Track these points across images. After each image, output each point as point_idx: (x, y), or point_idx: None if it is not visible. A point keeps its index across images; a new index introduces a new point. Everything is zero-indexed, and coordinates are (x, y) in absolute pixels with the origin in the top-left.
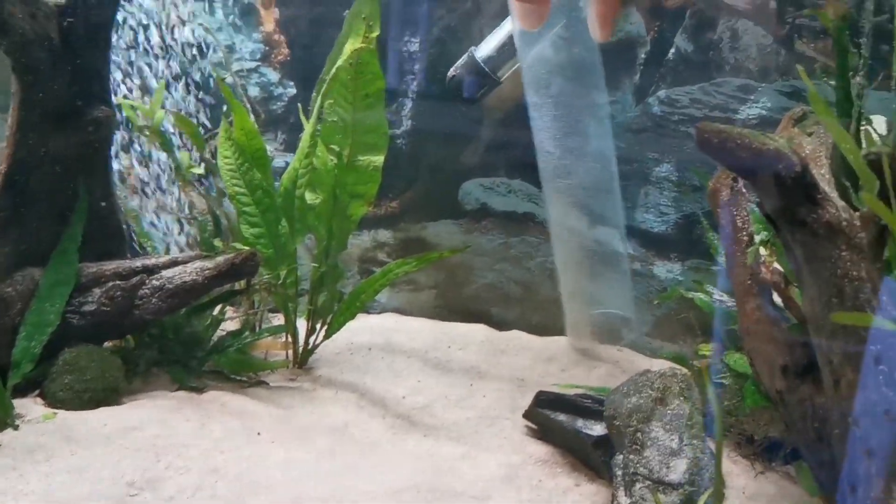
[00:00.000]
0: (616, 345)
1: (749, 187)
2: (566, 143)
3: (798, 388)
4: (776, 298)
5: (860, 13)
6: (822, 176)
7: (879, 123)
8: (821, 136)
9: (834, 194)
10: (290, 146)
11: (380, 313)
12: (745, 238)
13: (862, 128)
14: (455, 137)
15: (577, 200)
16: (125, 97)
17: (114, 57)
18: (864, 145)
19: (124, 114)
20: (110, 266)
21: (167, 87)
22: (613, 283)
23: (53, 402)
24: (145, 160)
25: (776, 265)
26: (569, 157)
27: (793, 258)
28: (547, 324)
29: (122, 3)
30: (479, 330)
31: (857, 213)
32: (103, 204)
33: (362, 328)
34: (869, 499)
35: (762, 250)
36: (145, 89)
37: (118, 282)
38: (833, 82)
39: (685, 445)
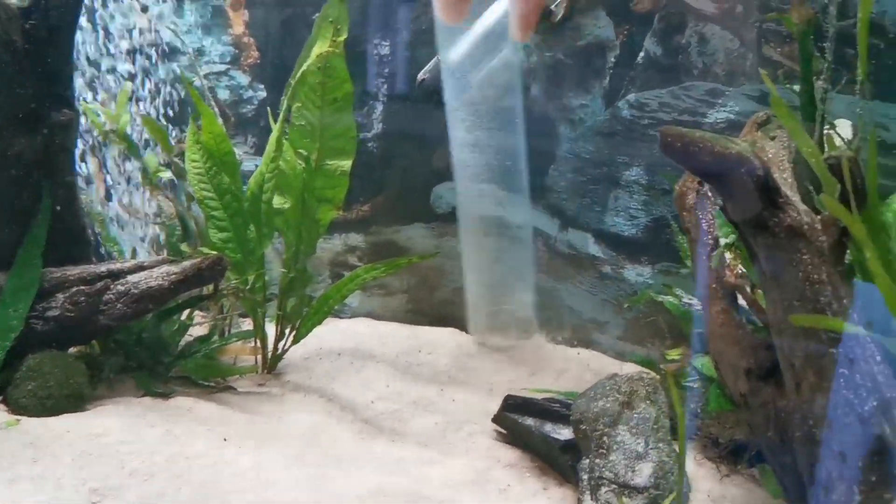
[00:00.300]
0: (514, 341)
1: (713, 191)
2: (478, 140)
3: (761, 390)
4: (742, 302)
5: (825, 17)
6: (785, 180)
7: (845, 127)
8: (784, 140)
9: (796, 198)
10: (261, 149)
11: (351, 318)
12: (711, 241)
13: (827, 131)
14: (426, 141)
15: (485, 197)
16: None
17: (82, 60)
18: (826, 149)
19: (89, 118)
20: (74, 271)
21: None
22: (514, 282)
23: (16, 408)
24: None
25: (741, 268)
26: (481, 156)
27: (756, 261)
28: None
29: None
30: (449, 334)
31: (819, 217)
32: (59, 208)
33: (332, 333)
34: (832, 502)
35: (727, 254)
36: (112, 93)
37: (82, 287)
38: (796, 86)
39: (651, 449)
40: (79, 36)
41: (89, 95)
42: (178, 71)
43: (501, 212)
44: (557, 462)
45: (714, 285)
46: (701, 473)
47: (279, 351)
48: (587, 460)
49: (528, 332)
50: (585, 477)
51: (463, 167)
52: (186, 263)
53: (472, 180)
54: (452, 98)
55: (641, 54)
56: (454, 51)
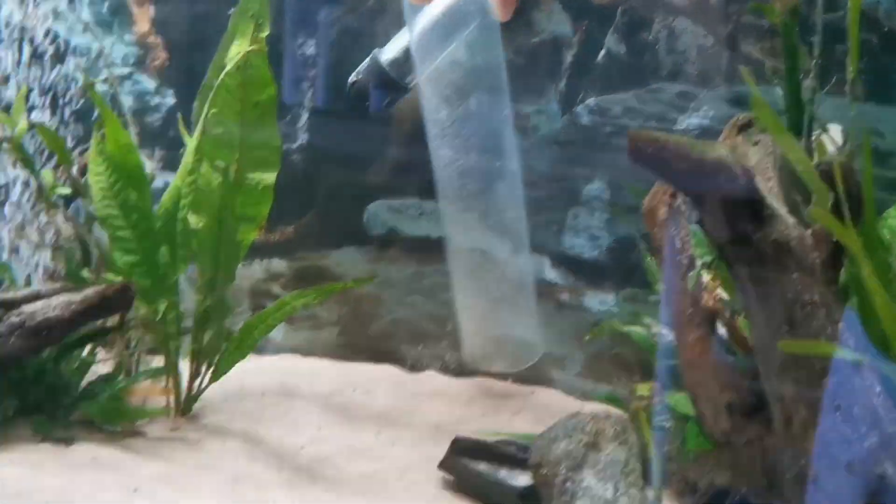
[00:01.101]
0: (514, 370)
1: (689, 203)
2: (468, 157)
3: (745, 428)
4: (721, 329)
5: (812, 9)
6: (770, 189)
7: (835, 132)
8: (768, 145)
9: (783, 210)
10: (170, 164)
11: (275, 354)
12: (686, 262)
13: (817, 135)
14: (358, 153)
15: (479, 218)
16: None
17: None
18: (815, 155)
19: None
20: None
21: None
22: (515, 306)
23: None
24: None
25: (720, 291)
26: (471, 172)
27: (738, 282)
28: (465, 364)
29: None
30: (387, 371)
31: (809, 231)
32: None
33: (255, 370)
34: None
35: (704, 275)
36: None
37: None
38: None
39: (621, 495)
40: None
41: None
42: (79, 73)
43: (497, 233)
44: None
45: (690, 311)
46: None
47: (195, 391)
48: None
49: (528, 358)
50: None
51: (449, 182)
52: (89, 291)
53: (462, 196)
54: (433, 111)
55: (602, 53)
56: (389, 47)
